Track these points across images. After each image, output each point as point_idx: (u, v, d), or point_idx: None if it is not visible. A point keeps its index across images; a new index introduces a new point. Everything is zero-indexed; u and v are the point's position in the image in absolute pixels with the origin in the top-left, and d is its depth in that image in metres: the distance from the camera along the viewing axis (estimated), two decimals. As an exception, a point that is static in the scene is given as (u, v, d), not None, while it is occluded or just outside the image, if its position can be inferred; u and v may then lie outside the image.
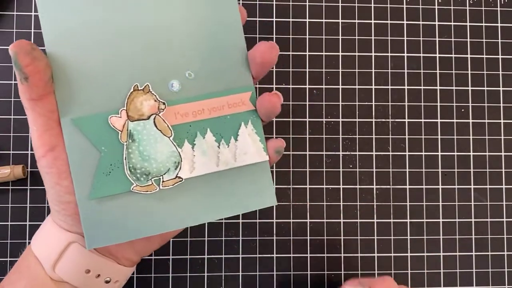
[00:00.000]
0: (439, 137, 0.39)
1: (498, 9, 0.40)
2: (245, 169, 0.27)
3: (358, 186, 0.38)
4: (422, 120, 0.39)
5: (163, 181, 0.25)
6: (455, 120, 0.39)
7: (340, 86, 0.38)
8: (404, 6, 0.39)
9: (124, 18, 0.25)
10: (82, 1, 0.25)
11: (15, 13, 0.37)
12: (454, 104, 0.39)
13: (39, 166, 0.25)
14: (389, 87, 0.39)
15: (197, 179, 0.26)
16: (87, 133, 0.25)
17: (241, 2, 0.38)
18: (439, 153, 0.39)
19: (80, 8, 0.25)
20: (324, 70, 0.38)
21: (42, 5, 0.25)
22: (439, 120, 0.39)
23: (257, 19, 0.38)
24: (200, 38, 0.26)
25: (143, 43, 0.25)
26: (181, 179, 0.25)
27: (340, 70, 0.38)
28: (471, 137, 0.39)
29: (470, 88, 0.39)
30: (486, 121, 0.39)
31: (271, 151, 0.27)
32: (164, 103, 0.25)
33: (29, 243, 0.36)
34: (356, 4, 0.39)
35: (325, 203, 0.38)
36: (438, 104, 0.39)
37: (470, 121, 0.39)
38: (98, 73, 0.25)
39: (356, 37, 0.39)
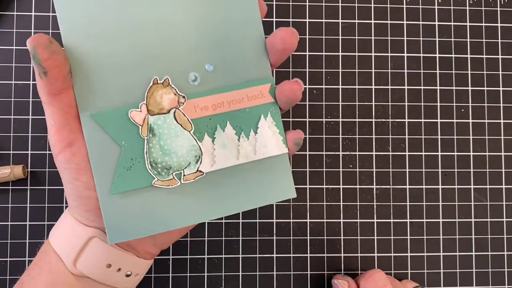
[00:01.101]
0: (439, 137, 0.39)
1: (498, 9, 0.40)
2: (264, 161, 0.26)
3: (358, 186, 0.38)
4: (422, 120, 0.39)
5: (184, 175, 0.25)
6: (455, 120, 0.39)
7: (340, 86, 0.38)
8: (404, 6, 0.39)
9: (142, 11, 0.25)
10: None
11: (15, 13, 0.37)
12: (454, 104, 0.39)
13: (56, 162, 0.25)
14: (389, 87, 0.39)
15: (218, 172, 0.26)
16: (107, 128, 0.24)
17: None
18: (439, 153, 0.39)
19: (98, 1, 0.25)
20: (324, 70, 0.38)
21: (59, 1, 0.24)
22: (439, 120, 0.39)
23: (257, 19, 0.38)
24: (219, 30, 0.26)
25: (161, 36, 0.25)
26: (202, 173, 0.25)
27: (340, 70, 0.38)
28: (471, 137, 0.39)
29: (470, 88, 0.39)
30: (486, 121, 0.39)
31: (290, 143, 0.27)
32: (184, 97, 0.25)
33: (29, 243, 0.36)
34: (356, 4, 0.39)
35: (325, 203, 0.38)
36: (438, 104, 0.39)
37: (470, 121, 0.39)
38: (117, 67, 0.25)
39: (356, 37, 0.39)
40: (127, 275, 0.27)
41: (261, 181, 0.26)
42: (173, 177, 0.25)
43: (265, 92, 0.26)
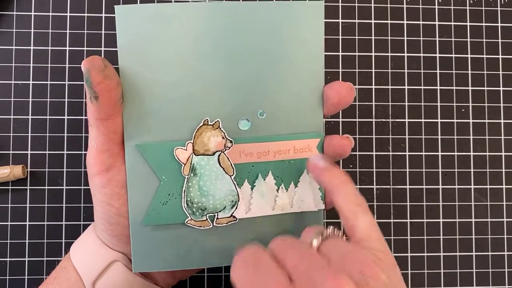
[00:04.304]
0: (439, 137, 0.39)
1: (498, 9, 0.40)
2: (299, 215, 0.26)
3: (358, 186, 0.38)
4: (422, 120, 0.39)
5: (217, 218, 0.25)
6: (455, 120, 0.39)
7: (340, 86, 0.38)
8: (404, 6, 0.39)
9: (205, 46, 0.24)
10: (163, 21, 0.24)
11: (15, 13, 0.37)
12: (454, 104, 0.39)
13: (91, 183, 0.25)
14: (389, 87, 0.39)
15: (250, 219, 0.26)
16: (150, 160, 0.24)
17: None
18: (439, 153, 0.39)
19: (160, 28, 0.24)
20: (324, 70, 0.38)
21: (120, 20, 0.23)
22: (439, 120, 0.39)
23: (257, 19, 0.38)
24: (280, 77, 0.25)
25: (220, 76, 0.25)
26: (235, 219, 0.25)
27: (340, 70, 0.38)
28: (471, 137, 0.39)
29: (470, 88, 0.39)
30: (486, 121, 0.39)
31: (329, 199, 0.26)
32: (231, 141, 0.25)
33: (28, 243, 0.36)
34: (356, 4, 0.39)
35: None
36: (438, 104, 0.39)
37: (470, 121, 0.39)
38: (169, 101, 0.24)
39: (356, 37, 0.39)
40: None
41: (292, 234, 0.25)
42: (206, 219, 0.25)
43: (313, 146, 0.26)
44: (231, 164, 0.25)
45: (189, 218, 0.25)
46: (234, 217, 0.25)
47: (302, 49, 0.25)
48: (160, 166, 0.24)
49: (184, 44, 0.24)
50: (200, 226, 0.25)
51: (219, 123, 0.25)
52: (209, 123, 0.25)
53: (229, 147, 0.25)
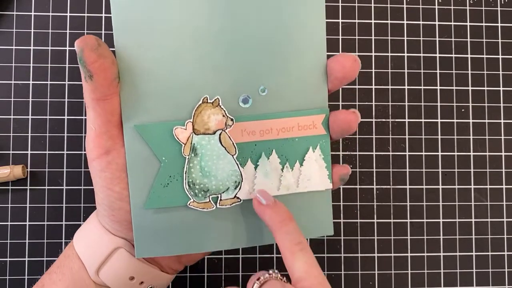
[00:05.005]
0: (439, 137, 0.39)
1: (498, 9, 0.40)
2: (305, 195, 0.25)
3: (358, 186, 0.38)
4: (422, 120, 0.39)
5: (220, 200, 0.24)
6: (455, 120, 0.39)
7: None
8: (404, 6, 0.39)
9: (203, 22, 0.23)
10: None
11: (15, 13, 0.37)
12: (454, 104, 0.39)
13: (90, 168, 0.24)
14: (389, 87, 0.39)
15: None
16: (149, 141, 0.23)
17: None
18: (439, 153, 0.39)
19: (157, 5, 0.23)
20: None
21: None
22: (439, 120, 0.39)
23: (257, 19, 0.38)
24: (281, 52, 0.24)
25: (218, 52, 0.24)
26: (239, 200, 0.25)
27: (340, 70, 0.38)
28: (471, 137, 0.39)
29: (470, 88, 0.39)
30: (486, 121, 0.39)
31: (336, 178, 0.26)
32: (232, 119, 0.24)
33: (28, 243, 0.36)
34: (356, 4, 0.39)
35: (325, 203, 0.38)
36: (438, 104, 0.39)
37: (470, 121, 0.39)
38: (168, 79, 0.23)
39: (356, 37, 0.39)
40: None
41: (299, 215, 0.25)
42: (209, 201, 0.24)
43: (318, 123, 0.25)
44: (233, 143, 0.24)
45: (192, 200, 0.24)
46: (238, 198, 0.24)
47: (303, 23, 0.24)
48: (160, 147, 0.23)
49: (181, 22, 0.23)
50: (203, 208, 0.24)
51: (219, 101, 0.24)
52: (209, 101, 0.24)
53: (230, 126, 0.24)
